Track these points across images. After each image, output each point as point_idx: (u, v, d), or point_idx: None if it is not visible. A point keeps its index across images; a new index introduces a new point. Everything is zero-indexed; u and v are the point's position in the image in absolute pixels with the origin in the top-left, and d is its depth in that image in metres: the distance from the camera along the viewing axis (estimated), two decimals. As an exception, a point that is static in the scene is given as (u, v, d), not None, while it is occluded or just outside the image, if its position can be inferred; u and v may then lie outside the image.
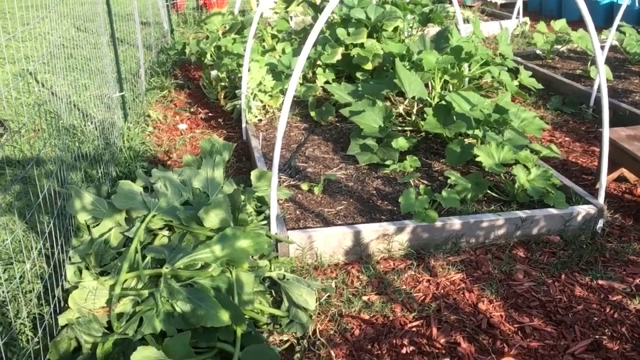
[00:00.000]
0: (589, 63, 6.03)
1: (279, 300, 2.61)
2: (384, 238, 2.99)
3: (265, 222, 2.97)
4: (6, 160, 4.13)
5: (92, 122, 4.30)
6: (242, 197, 2.93)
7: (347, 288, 2.76)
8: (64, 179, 3.04)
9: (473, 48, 4.38)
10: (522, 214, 3.11)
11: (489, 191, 3.36)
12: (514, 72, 4.91)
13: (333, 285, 2.78)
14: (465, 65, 4.72)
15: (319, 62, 5.14)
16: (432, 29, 6.66)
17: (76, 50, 4.81)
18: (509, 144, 3.45)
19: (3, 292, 2.64)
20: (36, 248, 2.90)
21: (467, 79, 4.79)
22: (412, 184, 3.56)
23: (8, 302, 2.58)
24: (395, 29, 5.25)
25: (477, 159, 3.40)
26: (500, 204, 3.32)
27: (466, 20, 8.08)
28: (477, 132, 3.69)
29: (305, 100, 4.89)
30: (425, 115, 4.16)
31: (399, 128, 4.31)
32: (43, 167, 3.99)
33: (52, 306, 2.35)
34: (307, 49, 2.59)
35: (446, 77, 4.51)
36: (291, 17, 6.26)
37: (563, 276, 2.83)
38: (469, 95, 3.91)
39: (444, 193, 3.17)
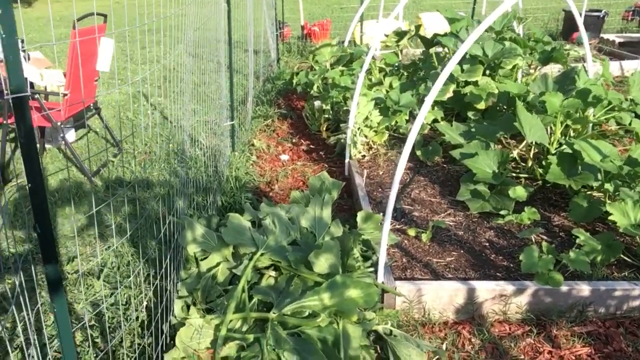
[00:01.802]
0: None
1: (384, 358, 2.43)
2: (501, 299, 2.73)
3: (371, 268, 2.81)
4: (118, 181, 4.30)
5: (201, 149, 4.38)
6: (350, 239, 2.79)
7: (457, 351, 2.53)
8: (172, 204, 3.06)
9: (602, 92, 4.02)
10: (663, 285, 2.73)
11: (621, 255, 3.00)
12: (645, 120, 4.46)
13: (444, 347, 2.56)
14: (590, 110, 4.35)
15: (427, 99, 4.96)
16: (546, 68, 6.28)
17: (188, 76, 4.97)
18: (647, 203, 3.08)
19: (109, 317, 2.67)
20: (144, 274, 2.93)
21: (590, 125, 4.42)
22: (532, 239, 3.27)
23: (114, 329, 2.59)
24: (514, 67, 4.97)
25: (610, 218, 3.05)
26: (633, 270, 2.95)
27: (581, 59, 7.59)
28: (607, 186, 3.34)
29: (411, 138, 4.71)
30: (544, 163, 3.85)
31: (513, 174, 4.03)
32: (152, 190, 4.10)
33: (160, 342, 2.32)
34: (435, 91, 2.44)
35: (568, 121, 4.17)
36: (401, 51, 6.14)
37: None
38: (599, 144, 3.56)
39: (571, 254, 2.86)
